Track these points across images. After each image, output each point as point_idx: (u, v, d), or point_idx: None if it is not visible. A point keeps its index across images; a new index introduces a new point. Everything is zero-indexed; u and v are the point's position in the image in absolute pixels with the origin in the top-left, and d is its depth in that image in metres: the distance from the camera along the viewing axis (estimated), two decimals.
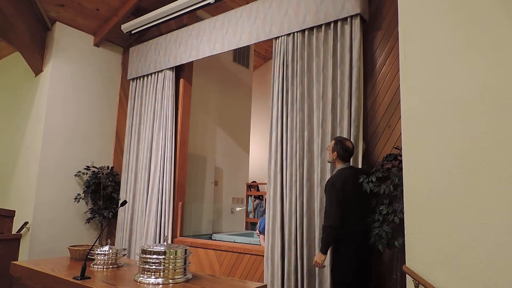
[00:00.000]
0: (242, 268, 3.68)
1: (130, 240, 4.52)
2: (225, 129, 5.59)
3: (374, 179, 2.66)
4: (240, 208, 5.78)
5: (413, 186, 2.10)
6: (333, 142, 2.87)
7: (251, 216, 5.98)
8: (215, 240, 4.59)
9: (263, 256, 3.52)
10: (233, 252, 3.77)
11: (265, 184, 6.78)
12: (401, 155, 2.78)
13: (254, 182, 6.42)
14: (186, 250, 2.09)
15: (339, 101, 3.10)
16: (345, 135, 3.01)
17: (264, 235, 4.34)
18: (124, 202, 2.49)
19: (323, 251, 2.62)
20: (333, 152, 2.85)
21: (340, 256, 2.68)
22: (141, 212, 4.50)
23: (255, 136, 7.23)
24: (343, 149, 2.82)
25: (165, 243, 2.14)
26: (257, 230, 4.29)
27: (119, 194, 4.88)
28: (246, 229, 5.81)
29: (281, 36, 3.51)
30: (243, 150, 5.86)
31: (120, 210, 4.73)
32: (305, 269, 2.97)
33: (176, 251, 2.05)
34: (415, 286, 1.97)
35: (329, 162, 2.98)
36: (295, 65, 3.37)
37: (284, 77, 3.40)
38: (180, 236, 4.39)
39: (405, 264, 2.06)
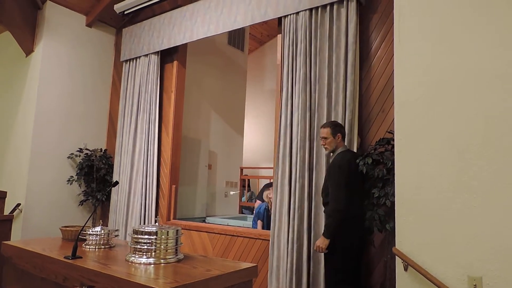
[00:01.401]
0: (234, 250, 3.71)
1: (123, 222, 4.53)
2: (220, 112, 5.57)
3: (370, 161, 2.68)
4: (234, 192, 5.81)
5: (404, 169, 2.11)
6: (328, 128, 2.78)
7: (244, 199, 6.01)
8: (208, 223, 4.62)
9: (256, 239, 3.56)
10: (226, 235, 3.80)
11: (259, 168, 6.91)
12: (394, 139, 2.80)
13: (246, 175, 6.44)
14: (177, 230, 2.10)
15: (334, 85, 3.10)
16: (340, 120, 3.01)
17: (261, 220, 4.43)
18: (116, 183, 2.48)
19: (328, 236, 2.54)
20: (335, 136, 2.77)
21: (342, 241, 2.56)
22: (133, 194, 4.51)
23: (249, 121, 7.22)
24: (343, 128, 2.81)
25: (156, 223, 2.14)
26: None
27: (112, 176, 4.87)
28: (240, 213, 5.84)
29: (289, 15, 3.42)
30: (238, 134, 5.85)
31: (113, 193, 4.73)
32: (312, 254, 2.97)
33: (167, 231, 2.05)
34: (404, 267, 2.00)
35: (331, 151, 2.83)
36: (298, 46, 3.33)
37: (293, 57, 3.35)
38: (174, 218, 4.42)
39: (395, 246, 2.09)
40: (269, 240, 3.36)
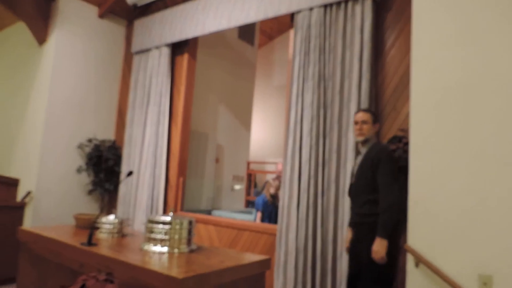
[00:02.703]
0: (241, 244, 3.74)
1: (130, 213, 4.56)
2: (228, 106, 5.56)
3: None
4: (240, 187, 5.84)
5: (418, 167, 2.13)
6: (370, 114, 2.59)
7: (251, 194, 6.05)
8: (214, 216, 4.64)
9: (262, 233, 3.58)
10: (233, 228, 3.83)
11: (266, 163, 6.92)
12: (405, 137, 2.81)
13: (253, 170, 6.47)
14: (191, 221, 2.13)
15: (347, 83, 3.10)
16: (352, 118, 3.01)
17: (260, 211, 4.47)
18: (130, 173, 2.50)
19: (386, 235, 2.18)
20: (375, 124, 2.59)
21: (392, 243, 2.24)
22: (141, 186, 4.54)
23: (257, 116, 7.23)
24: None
25: (171, 213, 2.17)
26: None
27: (120, 167, 4.89)
28: (246, 207, 5.86)
29: (302, 11, 3.41)
30: (245, 129, 5.86)
31: (123, 183, 4.75)
32: (319, 249, 2.98)
33: (182, 221, 2.09)
34: (415, 264, 2.03)
35: (365, 140, 2.59)
36: (311, 43, 3.32)
37: (305, 53, 3.34)
38: (181, 210, 4.44)
39: (406, 243, 2.11)
40: (275, 235, 3.37)
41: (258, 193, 6.61)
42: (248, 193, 6.13)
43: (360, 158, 2.59)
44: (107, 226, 2.46)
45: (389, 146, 2.50)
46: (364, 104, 2.98)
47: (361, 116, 2.61)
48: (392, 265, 2.21)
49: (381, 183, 2.33)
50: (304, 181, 3.14)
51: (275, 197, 4.51)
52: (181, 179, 4.47)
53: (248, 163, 6.02)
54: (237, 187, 5.75)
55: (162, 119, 4.49)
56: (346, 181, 2.97)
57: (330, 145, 3.12)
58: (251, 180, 6.41)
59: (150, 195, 4.41)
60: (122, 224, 2.49)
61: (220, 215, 4.76)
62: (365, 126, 2.58)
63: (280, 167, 4.92)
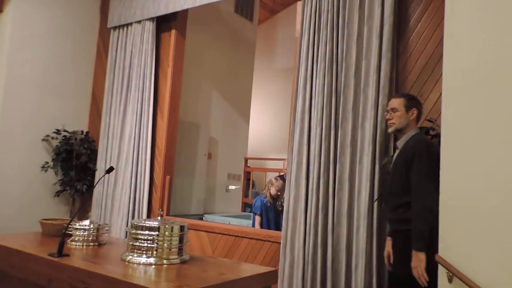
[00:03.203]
0: (239, 253, 3.73)
1: (108, 219, 4.54)
2: (222, 93, 5.54)
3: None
4: (236, 187, 5.85)
5: (451, 166, 2.10)
6: (402, 99, 2.53)
7: (249, 196, 6.04)
8: (207, 221, 4.65)
9: (264, 241, 3.58)
10: (229, 235, 3.82)
11: (267, 159, 6.89)
12: (434, 129, 2.79)
13: (251, 167, 6.45)
14: (183, 227, 2.11)
15: (364, 64, 3.09)
16: (370, 105, 3.00)
17: (259, 215, 4.48)
18: (110, 169, 2.48)
19: (423, 247, 2.13)
20: (409, 111, 2.49)
21: (427, 256, 2.18)
22: (120, 185, 4.52)
23: (256, 104, 7.22)
24: (421, 106, 2.53)
25: (159, 218, 2.14)
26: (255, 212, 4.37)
27: (95, 164, 4.87)
28: (243, 211, 5.88)
29: None
30: (243, 119, 5.86)
31: (97, 183, 4.72)
32: (330, 260, 2.97)
33: (172, 227, 2.07)
34: (448, 278, 2.01)
35: (396, 130, 2.54)
36: (322, 17, 3.30)
37: (316, 30, 3.32)
38: (167, 215, 4.43)
39: (437, 253, 2.09)
40: (280, 243, 3.37)
41: (256, 195, 6.61)
42: (245, 194, 6.12)
43: (396, 153, 2.55)
44: (81, 233, 2.44)
45: (429, 142, 2.40)
46: (384, 89, 2.97)
47: (391, 102, 2.58)
48: (436, 284, 2.12)
49: (414, 183, 2.27)
50: (313, 180, 3.14)
51: (276, 199, 4.50)
52: (167, 178, 4.46)
53: (246, 160, 6.02)
54: (232, 187, 5.75)
55: (145, 107, 4.46)
56: (362, 180, 2.97)
57: (343, 137, 3.12)
58: (249, 179, 6.40)
59: (131, 196, 4.40)
60: (99, 231, 2.47)
61: (213, 220, 4.76)
62: (395, 114, 2.52)
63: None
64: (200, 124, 5.24)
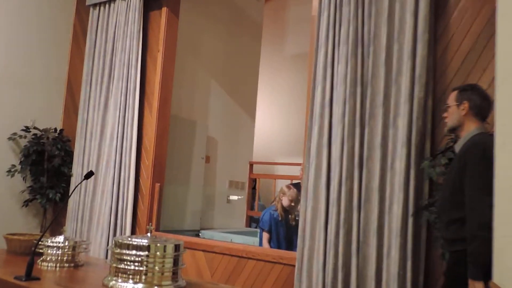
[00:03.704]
0: (243, 278, 3.72)
1: (85, 234, 4.53)
2: (223, 84, 5.56)
3: (444, 162, 2.63)
4: (240, 197, 5.87)
5: (508, 172, 2.05)
6: (455, 92, 2.49)
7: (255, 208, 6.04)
8: (204, 238, 4.66)
9: (275, 263, 3.55)
10: (231, 255, 3.80)
11: (276, 164, 6.85)
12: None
13: (257, 174, 6.43)
14: (178, 245, 2.10)
15: (396, 48, 3.07)
16: (403, 98, 2.97)
17: (267, 232, 4.47)
18: (90, 174, 2.46)
19: (479, 276, 2.09)
20: (460, 105, 2.42)
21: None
22: (99, 194, 4.51)
23: (263, 97, 7.27)
24: (481, 97, 2.41)
25: (148, 234, 2.14)
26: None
27: (70, 168, 4.86)
28: (248, 226, 5.92)
29: None
30: (247, 116, 5.90)
31: (73, 191, 4.71)
32: (354, 286, 2.95)
33: (164, 246, 2.05)
34: None
35: (449, 129, 2.52)
36: None
37: (337, 6, 3.30)
38: (157, 230, 4.42)
39: (491, 280, 2.04)
40: (294, 266, 3.34)
41: (263, 208, 6.59)
42: (250, 206, 6.12)
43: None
44: (54, 252, 2.42)
45: (487, 142, 2.25)
46: (421, 79, 2.95)
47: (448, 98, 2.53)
48: None
49: (467, 196, 2.22)
50: (334, 189, 3.12)
51: (289, 212, 4.48)
52: (157, 186, 4.45)
53: (251, 164, 6.04)
54: (235, 197, 5.74)
55: (130, 100, 4.46)
56: (394, 189, 2.94)
57: (371, 137, 3.10)
58: (255, 187, 6.41)
59: (113, 208, 4.39)
60: (76, 249, 2.45)
61: (212, 237, 4.78)
62: (448, 111, 2.49)
63: None
64: (197, 121, 5.24)
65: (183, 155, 5.09)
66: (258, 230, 4.53)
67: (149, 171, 4.45)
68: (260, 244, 4.48)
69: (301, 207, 3.31)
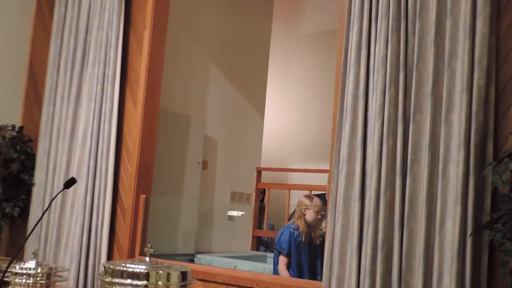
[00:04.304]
0: None
1: (51, 257, 4.51)
2: (225, 71, 5.62)
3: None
4: (242, 213, 5.90)
5: None
6: None
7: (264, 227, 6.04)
8: (200, 264, 4.69)
9: None
10: (238, 286, 3.78)
11: (291, 170, 6.80)
12: None
13: (266, 183, 6.41)
14: (185, 273, 2.10)
15: (449, 24, 3.05)
16: (459, 87, 2.94)
17: (285, 256, 4.45)
18: (71, 181, 2.45)
19: None
20: None
21: None
22: (69, 208, 4.53)
23: (274, 88, 7.28)
24: None
25: (147, 259, 2.15)
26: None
27: (32, 175, 4.87)
28: (255, 249, 5.97)
29: None
30: (255, 110, 5.97)
31: (35, 204, 4.70)
32: None
33: (168, 274, 2.04)
34: None
35: None
36: None
37: None
38: (142, 255, 4.40)
39: None
40: None
41: (272, 228, 6.57)
42: (258, 224, 6.15)
43: None
44: (24, 281, 2.39)
45: None
46: (481, 63, 2.91)
47: None
48: None
49: None
50: (371, 202, 3.11)
51: (312, 229, 4.46)
52: (142, 198, 4.46)
53: (259, 171, 6.09)
54: (238, 213, 5.72)
55: (109, 89, 4.47)
56: (447, 202, 2.91)
57: (416, 136, 3.08)
58: (263, 200, 6.41)
59: (85, 225, 4.39)
60: (51, 278, 2.43)
61: (211, 263, 4.82)
62: None
63: None
64: (192, 117, 5.28)
65: (175, 160, 5.12)
66: (274, 253, 4.55)
67: (132, 180, 4.45)
68: (275, 271, 4.50)
69: (328, 225, 3.30)
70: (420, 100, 3.08)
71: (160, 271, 2.04)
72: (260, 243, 6.17)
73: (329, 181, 3.40)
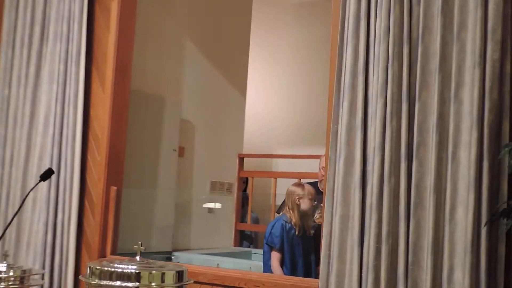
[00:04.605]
0: None
1: (12, 258, 4.44)
2: (202, 45, 5.63)
3: None
4: (219, 206, 5.92)
5: None
6: None
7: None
8: (179, 263, 4.62)
9: None
10: (223, 286, 3.79)
11: (276, 157, 6.79)
12: None
13: (249, 172, 6.42)
14: (181, 273, 2.13)
15: None
16: (469, 61, 2.94)
17: (277, 251, 4.48)
18: (48, 173, 2.43)
19: None
20: None
21: None
22: (30, 204, 4.49)
23: (256, 65, 7.27)
24: None
25: (137, 258, 2.18)
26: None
27: None
28: (238, 244, 6.00)
29: None
30: (236, 90, 5.98)
31: None
32: None
33: (162, 274, 2.06)
34: None
35: None
36: None
37: None
38: (113, 253, 4.44)
39: None
40: None
41: (257, 221, 6.57)
42: (241, 218, 6.20)
43: None
44: None
45: None
46: (495, 34, 2.91)
47: None
48: None
49: None
50: (373, 190, 3.11)
51: (306, 219, 4.51)
52: (113, 191, 4.47)
53: (241, 158, 6.12)
54: (217, 205, 5.75)
55: (73, 69, 4.45)
56: (458, 188, 2.93)
57: (423, 116, 3.09)
58: (246, 190, 6.48)
59: (49, 222, 4.38)
60: (25, 282, 2.42)
61: (190, 261, 4.81)
62: None
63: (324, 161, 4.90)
64: (166, 98, 5.29)
65: (148, 147, 5.12)
66: (264, 249, 4.57)
67: (102, 170, 4.45)
68: (266, 269, 4.53)
69: (324, 217, 3.30)
70: (426, 76, 3.09)
71: (154, 271, 2.06)
72: (244, 238, 6.20)
73: (325, 167, 3.39)
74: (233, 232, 5.93)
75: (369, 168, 3.16)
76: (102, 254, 4.39)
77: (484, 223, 2.83)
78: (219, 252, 5.31)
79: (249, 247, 6.33)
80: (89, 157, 4.52)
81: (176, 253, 5.10)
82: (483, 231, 2.83)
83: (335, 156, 3.27)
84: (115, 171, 4.51)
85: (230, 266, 4.60)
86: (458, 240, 2.87)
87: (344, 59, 3.31)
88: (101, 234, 4.41)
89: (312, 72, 7.33)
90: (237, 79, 6.01)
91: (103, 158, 4.45)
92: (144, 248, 2.37)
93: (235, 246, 5.94)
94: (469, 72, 2.95)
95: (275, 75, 7.78)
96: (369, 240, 3.08)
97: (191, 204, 5.57)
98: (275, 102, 7.77)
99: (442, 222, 2.96)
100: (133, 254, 4.54)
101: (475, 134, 2.87)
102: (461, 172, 2.92)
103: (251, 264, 4.76)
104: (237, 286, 3.72)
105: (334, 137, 3.30)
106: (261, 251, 5.35)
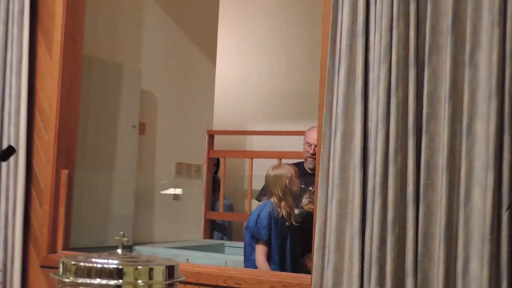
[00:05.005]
0: None
1: None
2: (165, 6, 5.62)
3: None
4: (191, 191, 5.93)
5: None
6: None
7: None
8: None
9: None
10: (199, 285, 3.81)
11: (252, 133, 6.79)
12: None
13: (221, 151, 6.46)
14: (172, 268, 2.10)
15: None
16: (486, 20, 2.95)
17: (264, 244, 4.52)
18: (9, 151, 2.41)
19: None
20: None
21: None
22: None
23: (227, 28, 7.31)
24: None
25: (119, 251, 2.19)
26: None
27: None
28: (208, 236, 6.04)
29: None
30: (205, 57, 6.00)
31: None
32: None
33: (150, 269, 2.06)
34: None
35: None
36: None
37: None
38: (66, 249, 4.45)
39: None
40: None
41: (230, 209, 6.58)
42: (212, 205, 6.24)
43: None
44: None
45: None
46: None
47: None
48: None
49: None
50: (376, 170, 3.12)
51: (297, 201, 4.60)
52: (64, 174, 4.46)
53: (211, 135, 6.15)
54: (184, 191, 5.79)
55: (15, 31, 4.44)
56: (474, 167, 2.95)
57: (434, 84, 3.11)
58: (217, 172, 6.56)
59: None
60: None
61: (155, 255, 4.70)
62: None
63: (311, 137, 4.86)
64: (124, 66, 5.26)
65: (104, 123, 5.12)
66: (245, 241, 4.58)
67: (50, 151, 4.43)
68: (249, 264, 4.55)
69: (318, 202, 3.30)
70: (437, 37, 3.09)
71: (139, 267, 2.06)
72: (215, 228, 6.23)
73: (318, 144, 3.39)
74: (202, 222, 5.97)
75: (371, 144, 3.16)
76: (52, 250, 4.39)
77: (505, 207, 2.85)
78: (188, 245, 5.34)
79: (221, 238, 6.39)
80: (35, 136, 4.50)
81: (137, 247, 5.11)
82: (504, 217, 2.86)
83: (330, 131, 3.27)
84: (66, 152, 4.48)
85: (202, 261, 4.61)
86: (475, 227, 2.89)
87: (339, 17, 3.30)
88: (50, 226, 4.39)
89: (292, 36, 7.36)
90: (206, 43, 6.04)
91: (51, 136, 4.43)
92: (127, 239, 2.35)
93: (205, 238, 5.98)
94: (486, 32, 2.97)
95: (250, 39, 7.79)
96: (372, 229, 3.09)
97: (153, 190, 5.59)
98: (249, 70, 7.78)
99: (456, 207, 2.98)
100: (85, 249, 4.57)
101: (493, 104, 2.89)
102: (477, 149, 2.94)
103: (226, 258, 4.77)
104: (215, 284, 3.75)
105: (329, 109, 3.29)
106: (235, 243, 5.39)
